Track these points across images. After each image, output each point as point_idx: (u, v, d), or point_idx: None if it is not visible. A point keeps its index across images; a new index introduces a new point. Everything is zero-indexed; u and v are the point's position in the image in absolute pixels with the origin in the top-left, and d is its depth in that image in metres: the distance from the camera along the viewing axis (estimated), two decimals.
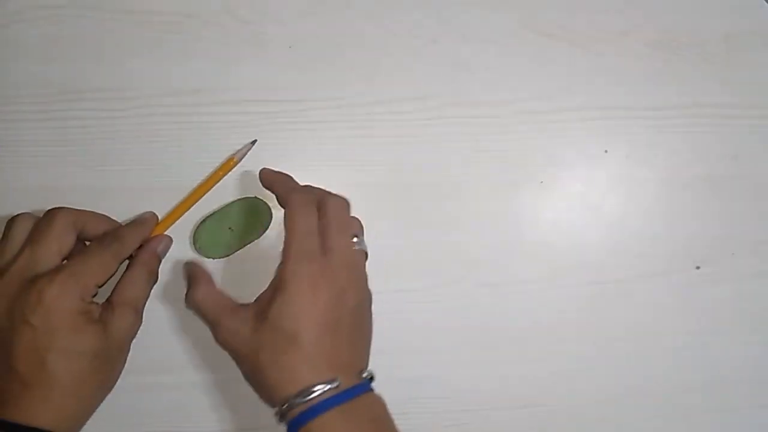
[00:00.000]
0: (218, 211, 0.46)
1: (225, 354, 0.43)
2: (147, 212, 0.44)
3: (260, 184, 0.43)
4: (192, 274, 0.41)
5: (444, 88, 0.49)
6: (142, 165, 0.46)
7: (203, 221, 0.45)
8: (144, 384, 0.45)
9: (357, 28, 0.48)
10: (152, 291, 0.44)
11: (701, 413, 0.51)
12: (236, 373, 0.47)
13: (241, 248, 0.46)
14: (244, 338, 0.37)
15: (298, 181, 0.47)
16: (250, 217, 0.46)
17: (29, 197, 0.45)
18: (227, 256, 0.46)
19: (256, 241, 0.46)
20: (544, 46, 0.50)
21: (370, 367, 0.39)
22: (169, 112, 0.46)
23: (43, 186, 0.45)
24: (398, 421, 0.47)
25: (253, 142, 0.46)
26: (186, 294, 0.41)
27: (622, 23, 0.51)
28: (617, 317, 0.50)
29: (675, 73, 0.51)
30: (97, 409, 0.39)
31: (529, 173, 0.50)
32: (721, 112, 0.52)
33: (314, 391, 0.34)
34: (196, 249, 0.45)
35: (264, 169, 0.43)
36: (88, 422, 0.38)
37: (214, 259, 0.46)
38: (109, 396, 0.40)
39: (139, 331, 0.40)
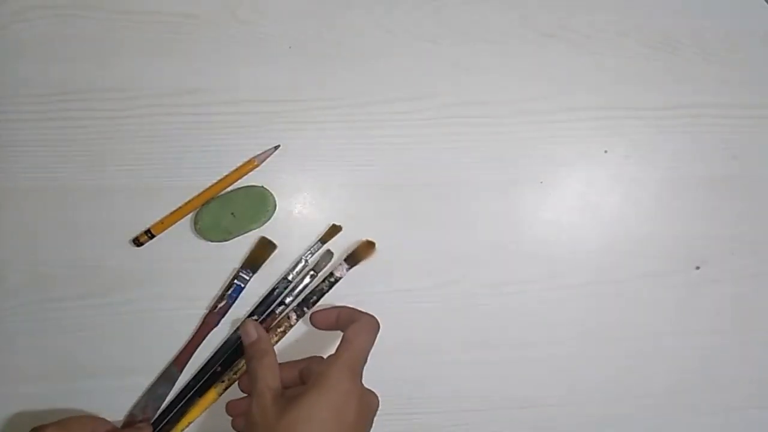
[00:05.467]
0: (223, 195, 0.46)
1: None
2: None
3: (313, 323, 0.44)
4: (262, 344, 0.42)
5: (443, 88, 0.49)
6: (142, 165, 0.46)
7: (207, 203, 0.45)
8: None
9: (357, 28, 0.48)
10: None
11: (701, 413, 0.51)
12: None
13: (240, 235, 0.46)
14: (267, 416, 0.37)
15: (297, 182, 0.47)
16: (254, 205, 0.46)
17: (29, 197, 0.45)
18: (225, 240, 0.46)
19: (256, 229, 0.46)
20: (544, 46, 0.50)
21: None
22: (169, 112, 0.46)
23: (43, 186, 0.45)
24: (399, 421, 0.47)
25: (276, 147, 0.46)
26: (249, 362, 0.42)
27: (622, 23, 0.51)
28: (617, 317, 0.50)
29: (675, 73, 0.51)
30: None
31: (529, 173, 0.50)
32: (721, 112, 0.52)
33: None
34: (195, 230, 0.45)
35: (315, 313, 0.44)
36: None
37: (211, 242, 0.46)
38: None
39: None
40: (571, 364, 0.50)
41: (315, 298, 0.45)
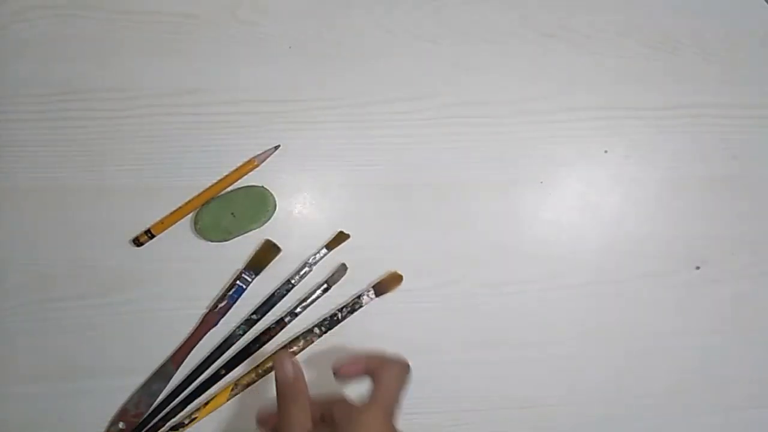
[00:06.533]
0: (223, 195, 0.46)
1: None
2: None
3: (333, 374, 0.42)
4: (299, 384, 0.40)
5: (444, 88, 0.49)
6: (142, 165, 0.46)
7: (207, 203, 0.45)
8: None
9: (357, 28, 0.48)
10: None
11: (701, 413, 0.51)
12: None
13: (240, 235, 0.46)
14: None
15: (297, 182, 0.47)
16: (254, 205, 0.46)
17: (29, 197, 0.45)
18: (225, 240, 0.46)
19: (256, 229, 0.46)
20: (544, 46, 0.50)
21: None
22: (169, 112, 0.46)
23: (43, 186, 0.45)
24: (399, 421, 0.47)
25: (276, 147, 0.46)
26: (282, 402, 0.39)
27: (622, 23, 0.51)
28: (617, 317, 0.50)
29: (675, 73, 0.51)
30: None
31: (529, 173, 0.50)
32: (721, 112, 0.52)
33: None
34: (196, 230, 0.45)
35: (340, 366, 0.41)
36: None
37: (211, 242, 0.46)
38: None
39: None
40: (571, 364, 0.50)
41: (338, 319, 0.46)
